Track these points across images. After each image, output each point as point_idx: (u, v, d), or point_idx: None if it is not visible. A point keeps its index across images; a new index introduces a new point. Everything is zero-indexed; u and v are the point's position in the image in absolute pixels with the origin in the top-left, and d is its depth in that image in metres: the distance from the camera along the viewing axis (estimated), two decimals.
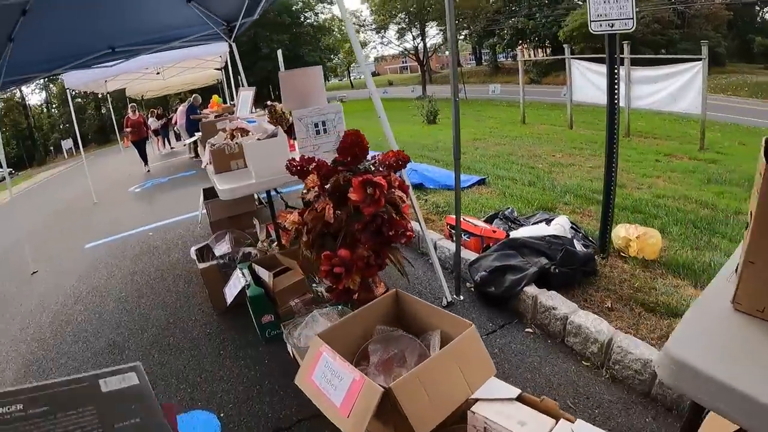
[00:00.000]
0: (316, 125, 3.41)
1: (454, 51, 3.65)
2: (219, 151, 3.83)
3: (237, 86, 6.59)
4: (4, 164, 7.03)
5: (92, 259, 6.57)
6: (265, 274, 3.53)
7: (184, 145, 20.49)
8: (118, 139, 18.67)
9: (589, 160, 7.95)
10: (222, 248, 4.39)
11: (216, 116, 12.37)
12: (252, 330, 3.64)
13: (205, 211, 5.25)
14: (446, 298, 3.80)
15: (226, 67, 14.85)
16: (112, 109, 18.03)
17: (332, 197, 2.72)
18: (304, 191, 2.83)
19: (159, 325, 4.18)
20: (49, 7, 4.61)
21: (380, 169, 2.88)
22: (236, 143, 3.87)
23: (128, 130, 14.46)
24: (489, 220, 4.78)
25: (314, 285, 3.71)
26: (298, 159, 2.83)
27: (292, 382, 2.03)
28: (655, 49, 28.02)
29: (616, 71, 3.70)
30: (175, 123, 17.36)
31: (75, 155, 44.13)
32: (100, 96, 53.86)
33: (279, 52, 9.70)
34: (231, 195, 3.29)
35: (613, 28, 3.65)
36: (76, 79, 10.41)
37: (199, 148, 5.77)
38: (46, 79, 53.22)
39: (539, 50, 41.17)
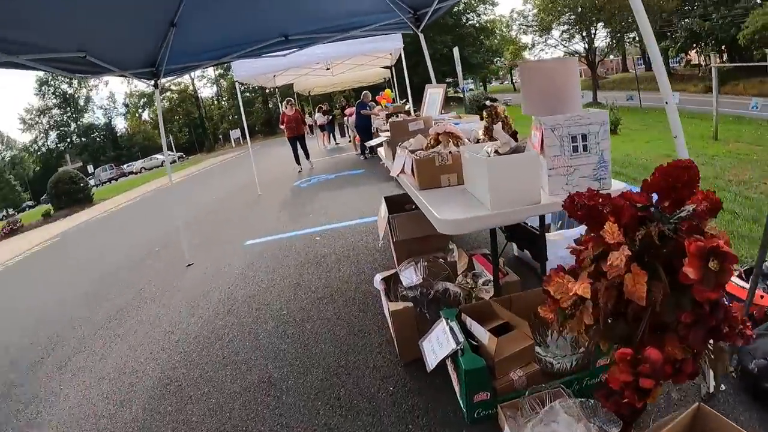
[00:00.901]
0: (574, 139, 2.38)
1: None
2: (427, 161, 2.90)
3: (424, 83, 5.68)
4: (163, 148, 6.71)
5: (251, 259, 6.05)
6: (481, 332, 2.54)
7: (349, 141, 20.47)
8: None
9: None
10: (409, 277, 3.48)
11: (387, 115, 11.88)
12: (452, 400, 2.68)
13: (387, 226, 4.36)
14: (706, 386, 2.55)
15: (397, 65, 14.31)
16: (279, 103, 18.14)
17: (641, 262, 1.67)
18: (587, 246, 1.80)
19: (327, 365, 3.34)
20: None
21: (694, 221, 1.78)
22: (449, 152, 2.93)
23: (283, 126, 13.48)
24: (744, 275, 3.41)
25: (538, 347, 2.67)
26: (580, 192, 1.80)
27: None
28: None
29: None
30: (348, 117, 16.85)
31: (242, 144, 46.78)
32: (267, 90, 57.02)
33: (455, 50, 8.92)
34: (456, 229, 2.35)
35: None
36: (244, 71, 10.18)
37: (383, 151, 4.85)
38: (217, 72, 57.71)
39: (715, 55, 36.88)
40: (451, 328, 2.63)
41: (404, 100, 15.52)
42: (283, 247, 6.30)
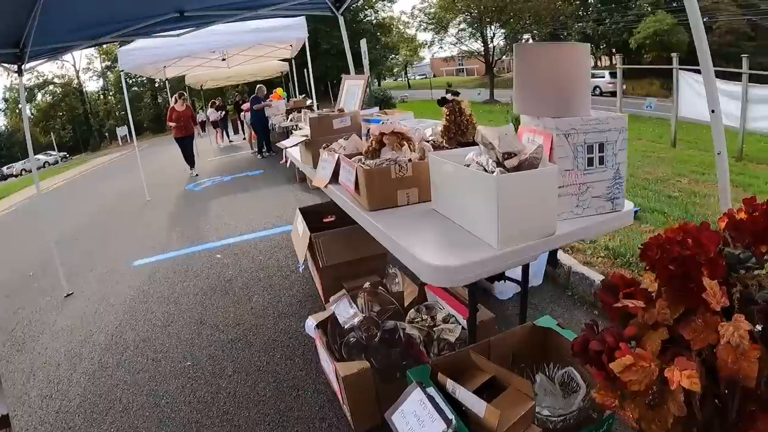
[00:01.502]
0: (590, 149, 1.72)
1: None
2: (381, 173, 2.13)
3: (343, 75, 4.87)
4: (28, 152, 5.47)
5: (142, 285, 5.00)
6: (473, 402, 1.78)
7: (243, 139, 19.17)
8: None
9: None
10: (345, 312, 2.71)
11: (288, 110, 10.91)
12: None
13: (308, 247, 3.50)
14: None
15: (296, 58, 13.39)
16: (170, 98, 16.41)
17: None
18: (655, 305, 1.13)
19: None
20: None
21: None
22: (408, 160, 2.18)
23: (172, 124, 11.37)
24: None
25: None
26: (668, 234, 1.13)
27: None
28: (729, 63, 25.59)
29: None
30: (245, 112, 15.22)
31: (129, 143, 43.70)
32: (157, 84, 53.71)
33: (363, 42, 8.14)
34: (453, 280, 1.59)
35: None
36: (132, 60, 8.92)
37: (296, 153, 3.99)
38: (103, 65, 53.55)
39: (606, 58, 38.73)
40: (431, 398, 1.87)
41: (303, 95, 14.69)
42: (178, 269, 5.29)
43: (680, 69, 10.62)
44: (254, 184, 9.29)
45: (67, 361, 3.68)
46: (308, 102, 13.23)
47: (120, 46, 8.96)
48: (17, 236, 9.56)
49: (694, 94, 10.13)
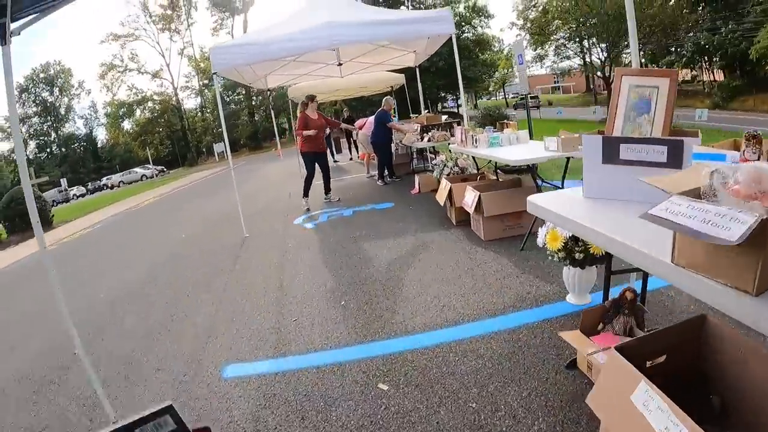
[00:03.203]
0: None
1: None
2: None
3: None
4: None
5: (238, 419, 2.53)
6: None
7: (351, 159, 16.85)
8: (278, 144, 14.78)
9: None
10: None
11: (423, 127, 8.45)
12: None
13: None
14: None
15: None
16: (273, 112, 14.20)
17: None
18: None
19: None
20: None
21: None
22: None
23: (309, 133, 8.02)
24: None
25: None
26: None
27: None
28: None
29: None
30: (357, 131, 12.20)
31: (226, 159, 43.07)
32: (253, 102, 53.21)
33: (452, 37, 5.84)
34: None
35: None
36: (225, 59, 6.65)
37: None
38: (201, 83, 53.71)
39: (722, 71, 34.22)
40: None
41: (428, 111, 12.26)
42: (301, 400, 2.70)
43: None
44: (391, 224, 6.59)
45: None
46: (444, 118, 10.77)
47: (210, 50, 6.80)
48: (89, 267, 7.47)
49: None
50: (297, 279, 4.85)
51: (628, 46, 30.48)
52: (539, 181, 4.96)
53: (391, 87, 15.02)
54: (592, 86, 47.86)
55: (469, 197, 5.24)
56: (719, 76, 34.62)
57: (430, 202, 7.26)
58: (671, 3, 29.32)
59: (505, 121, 6.60)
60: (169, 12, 53.52)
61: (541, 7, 34.94)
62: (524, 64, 8.05)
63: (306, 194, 8.52)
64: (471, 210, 5.13)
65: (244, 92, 53.04)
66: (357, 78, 12.53)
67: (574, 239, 3.25)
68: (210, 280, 5.35)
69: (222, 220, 9.18)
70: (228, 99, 55.03)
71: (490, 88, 56.19)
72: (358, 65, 10.82)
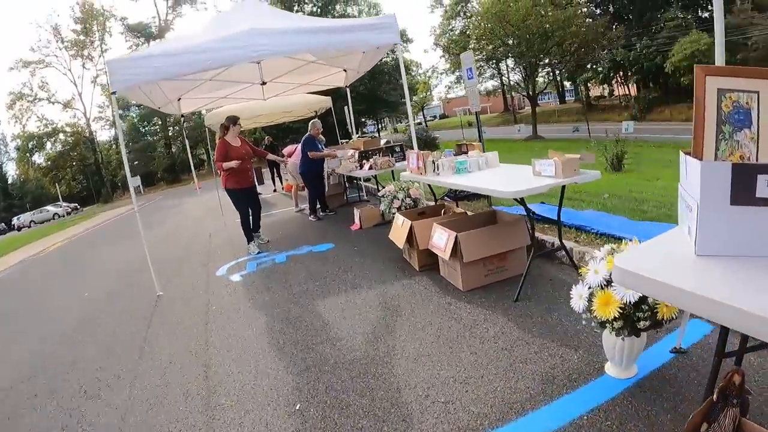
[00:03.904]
0: None
1: None
2: None
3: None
4: None
5: None
6: None
7: (275, 191, 15.42)
8: (194, 177, 12.86)
9: None
10: None
11: (362, 153, 7.46)
12: None
13: None
14: None
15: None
16: (188, 142, 12.44)
17: None
18: None
19: None
20: None
21: None
22: None
23: (231, 165, 6.37)
24: None
25: None
26: None
27: None
28: None
29: None
30: (286, 161, 10.50)
31: (143, 193, 40.22)
32: (170, 133, 50.45)
33: (399, 48, 4.97)
34: None
35: None
36: (127, 76, 5.12)
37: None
38: (117, 112, 49.54)
39: (636, 85, 35.59)
40: None
41: (362, 133, 11.19)
42: None
43: None
44: (338, 273, 5.28)
45: None
46: (384, 141, 9.73)
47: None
48: None
49: None
50: (228, 367, 3.53)
51: (549, 63, 31.05)
52: (534, 213, 3.95)
53: (315, 112, 13.59)
54: (510, 106, 48.79)
55: (440, 239, 4.15)
56: (633, 90, 36.13)
57: (377, 241, 6.17)
58: (590, 21, 30.07)
59: (466, 142, 5.60)
60: (82, 37, 49.75)
61: (458, 30, 34.95)
62: (474, 79, 7.11)
63: (250, 239, 7.05)
64: (446, 255, 4.02)
65: (160, 122, 50.19)
66: (281, 101, 11.25)
67: (638, 302, 2.26)
68: (111, 383, 3.76)
69: (133, 272, 7.61)
70: (144, 129, 52.00)
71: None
72: (282, 86, 9.58)
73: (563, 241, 4.10)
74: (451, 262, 4.11)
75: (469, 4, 39.90)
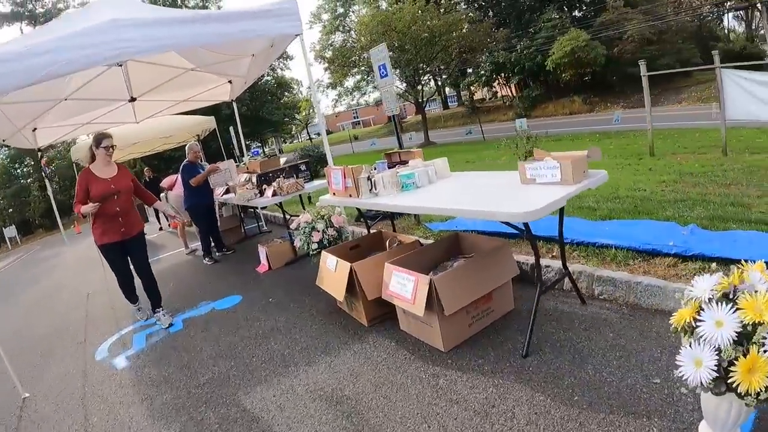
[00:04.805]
0: None
1: None
2: None
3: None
4: None
5: None
6: None
7: (161, 229, 13.22)
8: (61, 227, 10.21)
9: None
10: None
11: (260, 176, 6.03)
12: None
13: None
14: None
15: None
16: (46, 179, 10.09)
17: None
18: None
19: None
20: None
21: None
22: None
23: (84, 210, 4.34)
24: None
25: None
26: None
27: None
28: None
29: None
30: (167, 192, 9.20)
31: (21, 243, 35.66)
32: (44, 174, 45.53)
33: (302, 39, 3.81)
34: None
35: None
36: None
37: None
38: None
39: (517, 85, 36.41)
40: None
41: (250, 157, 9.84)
42: None
43: (722, 68, 8.41)
44: (256, 341, 3.88)
45: None
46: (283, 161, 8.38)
47: None
48: None
49: (741, 92, 8.25)
50: None
51: (432, 71, 30.90)
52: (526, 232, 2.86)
53: (198, 135, 11.62)
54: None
55: (403, 286, 2.96)
56: (515, 90, 37.08)
57: (296, 286, 4.96)
58: (474, 25, 30.38)
59: (398, 150, 4.45)
60: None
61: (338, 44, 33.92)
62: (390, 77, 6.06)
63: (132, 300, 5.21)
64: (418, 310, 2.82)
65: (33, 163, 44.80)
66: (157, 124, 9.37)
67: None
68: None
69: None
70: (16, 172, 46.46)
71: (293, 131, 55.34)
72: (156, 104, 7.88)
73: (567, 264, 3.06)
74: (425, 318, 2.92)
75: (347, 18, 39.14)
